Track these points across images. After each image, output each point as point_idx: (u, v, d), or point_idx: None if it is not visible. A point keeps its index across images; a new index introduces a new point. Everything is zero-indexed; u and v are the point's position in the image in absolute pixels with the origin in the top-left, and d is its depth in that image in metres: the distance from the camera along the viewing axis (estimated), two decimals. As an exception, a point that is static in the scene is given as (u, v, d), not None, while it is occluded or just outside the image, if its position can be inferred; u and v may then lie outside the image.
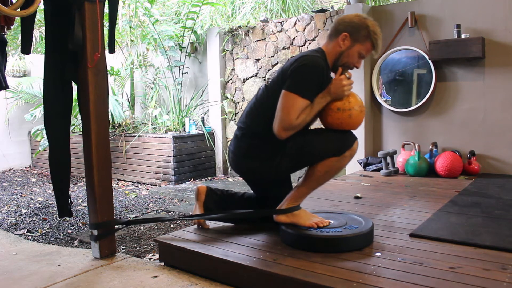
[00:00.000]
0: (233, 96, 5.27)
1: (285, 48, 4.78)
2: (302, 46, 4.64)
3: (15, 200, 4.34)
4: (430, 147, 3.80)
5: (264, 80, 4.98)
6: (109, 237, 2.26)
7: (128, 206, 3.98)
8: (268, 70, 4.94)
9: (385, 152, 3.80)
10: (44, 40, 2.76)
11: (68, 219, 3.45)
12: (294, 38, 4.70)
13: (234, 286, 1.83)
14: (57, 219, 3.52)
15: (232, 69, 5.29)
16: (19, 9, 1.96)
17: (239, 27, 5.15)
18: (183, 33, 5.43)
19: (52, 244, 2.81)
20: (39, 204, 4.11)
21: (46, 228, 3.28)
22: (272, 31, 4.89)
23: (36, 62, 6.53)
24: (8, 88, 2.40)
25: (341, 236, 1.90)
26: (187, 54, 5.51)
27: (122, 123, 5.53)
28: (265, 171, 2.06)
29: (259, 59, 5.01)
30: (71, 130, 3.08)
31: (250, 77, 5.11)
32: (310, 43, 4.58)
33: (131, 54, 5.90)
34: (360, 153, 4.16)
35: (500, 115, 3.64)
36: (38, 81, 6.10)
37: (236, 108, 5.28)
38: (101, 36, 2.15)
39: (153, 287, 1.86)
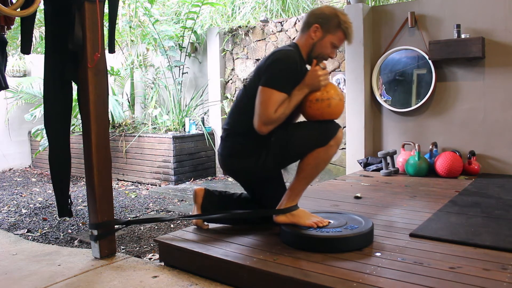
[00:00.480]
0: (233, 96, 5.27)
1: (285, 48, 4.78)
2: (302, 46, 4.63)
3: (15, 200, 4.34)
4: (430, 147, 3.80)
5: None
6: (109, 237, 2.26)
7: (128, 206, 3.98)
8: (268, 70, 4.94)
9: (385, 152, 3.80)
10: (44, 40, 2.76)
11: (68, 219, 3.45)
12: (294, 38, 4.70)
13: (234, 286, 1.83)
14: (57, 219, 3.52)
15: (232, 69, 5.29)
16: (19, 9, 1.96)
17: (239, 27, 5.16)
18: (183, 33, 5.43)
19: (52, 244, 2.81)
20: (39, 204, 4.11)
21: (46, 228, 3.28)
22: (272, 31, 4.89)
23: (36, 62, 6.53)
24: (8, 88, 2.40)
25: (341, 236, 1.90)
26: (187, 54, 5.51)
27: (122, 123, 5.53)
28: (252, 169, 2.06)
29: (259, 59, 5.01)
30: (71, 130, 3.08)
31: (250, 77, 5.11)
32: (310, 43, 4.57)
33: (131, 54, 5.90)
34: (360, 153, 4.16)
35: (500, 115, 3.64)
36: (38, 81, 6.10)
37: (236, 108, 5.27)
38: (101, 36, 2.15)
39: (153, 287, 1.86)
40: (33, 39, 4.54)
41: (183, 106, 5.51)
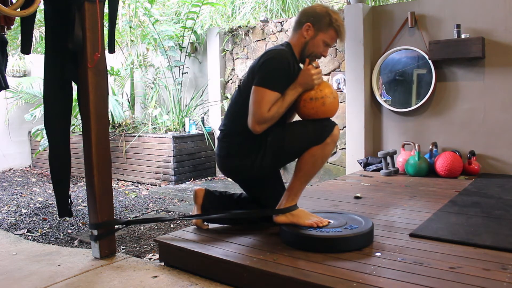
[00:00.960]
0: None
1: (285, 48, 4.78)
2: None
3: (15, 200, 4.34)
4: (430, 147, 3.80)
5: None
6: (109, 237, 2.26)
7: (128, 206, 3.98)
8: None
9: (385, 152, 3.80)
10: (44, 40, 2.76)
11: (68, 219, 3.45)
12: (294, 38, 4.70)
13: (234, 286, 1.83)
14: (57, 219, 3.52)
15: (232, 69, 5.29)
16: (19, 9, 1.96)
17: (239, 27, 5.16)
18: (183, 33, 5.43)
19: (52, 244, 2.81)
20: (39, 204, 4.11)
21: (46, 228, 3.28)
22: (272, 31, 4.89)
23: (36, 62, 6.53)
24: (8, 88, 2.40)
25: (341, 236, 1.90)
26: (187, 54, 5.51)
27: (122, 123, 5.53)
28: (250, 168, 2.07)
29: (259, 59, 5.01)
30: (71, 130, 3.08)
31: (250, 77, 5.11)
32: (310, 43, 4.57)
33: (131, 54, 5.90)
34: (360, 153, 4.16)
35: (500, 115, 3.64)
36: (38, 81, 6.10)
37: (236, 108, 5.27)
38: (101, 36, 2.15)
39: (153, 287, 1.86)
40: (33, 39, 4.54)
41: (183, 106, 5.51)
